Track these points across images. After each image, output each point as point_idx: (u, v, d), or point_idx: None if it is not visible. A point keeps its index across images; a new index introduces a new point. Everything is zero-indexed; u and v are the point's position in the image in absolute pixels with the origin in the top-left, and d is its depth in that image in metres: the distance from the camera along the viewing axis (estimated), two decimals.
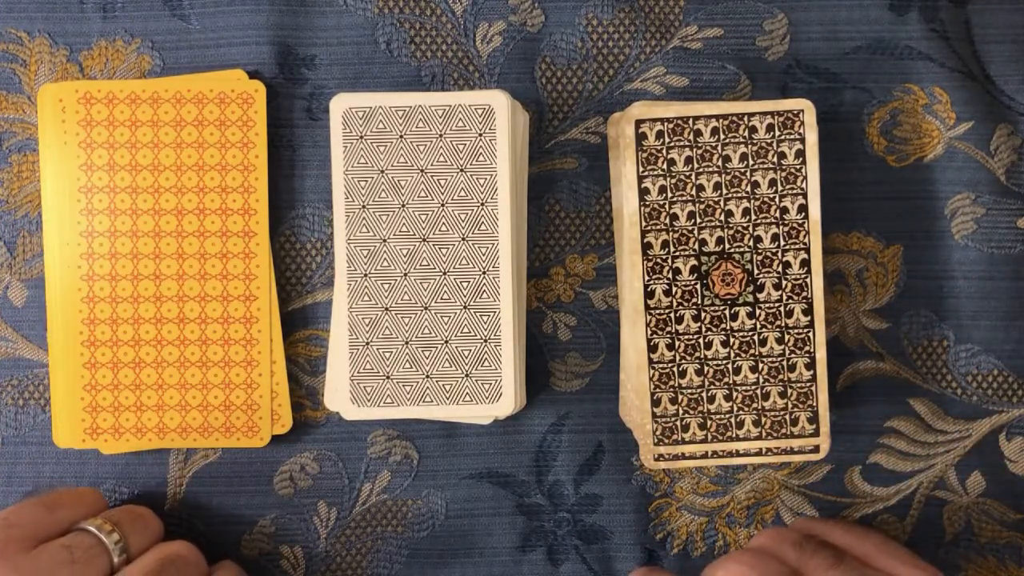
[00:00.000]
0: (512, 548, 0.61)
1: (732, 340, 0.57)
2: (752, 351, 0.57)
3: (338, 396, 0.58)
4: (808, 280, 0.56)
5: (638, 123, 0.56)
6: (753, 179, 0.56)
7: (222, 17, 0.60)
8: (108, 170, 0.58)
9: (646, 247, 0.56)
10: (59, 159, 0.58)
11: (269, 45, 0.60)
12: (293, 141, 0.60)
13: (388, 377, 0.57)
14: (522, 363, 0.59)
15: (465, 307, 0.57)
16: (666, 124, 0.56)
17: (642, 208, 0.56)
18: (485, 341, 0.57)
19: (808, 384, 0.57)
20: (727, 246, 0.56)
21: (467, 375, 0.57)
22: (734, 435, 0.57)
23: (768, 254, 0.56)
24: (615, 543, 0.60)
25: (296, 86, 0.60)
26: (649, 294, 0.57)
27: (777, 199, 0.56)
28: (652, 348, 0.57)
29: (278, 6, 0.59)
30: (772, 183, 0.56)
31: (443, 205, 0.57)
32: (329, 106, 0.57)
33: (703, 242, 0.56)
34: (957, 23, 0.61)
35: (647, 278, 0.56)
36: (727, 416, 0.57)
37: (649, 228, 0.56)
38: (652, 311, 0.57)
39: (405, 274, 0.57)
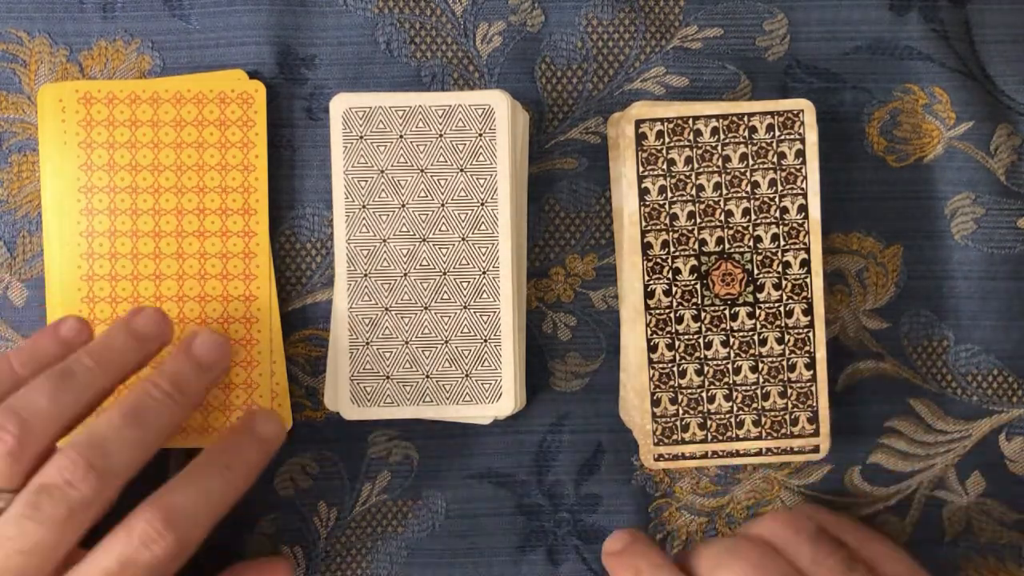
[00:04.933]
0: (512, 548, 0.61)
1: (732, 340, 0.57)
2: (752, 351, 0.57)
3: (338, 396, 0.58)
4: (808, 280, 0.56)
5: (638, 123, 0.56)
6: (753, 179, 0.56)
7: (222, 17, 0.60)
8: (108, 170, 0.58)
9: (646, 247, 0.56)
10: (59, 159, 0.58)
11: (269, 45, 0.60)
12: (293, 141, 0.60)
13: (388, 377, 0.57)
14: (522, 363, 0.59)
15: (465, 307, 0.57)
16: (666, 124, 0.56)
17: (642, 208, 0.56)
18: (485, 341, 0.57)
19: (808, 384, 0.57)
20: (727, 246, 0.56)
21: (467, 375, 0.57)
22: (734, 435, 0.57)
23: (768, 254, 0.56)
24: None
25: (296, 86, 0.60)
26: (649, 294, 0.57)
27: (777, 199, 0.56)
28: (652, 348, 0.57)
29: (278, 6, 0.59)
30: (772, 183, 0.56)
31: (443, 205, 0.57)
32: (329, 106, 0.57)
33: (703, 242, 0.56)
34: (957, 23, 0.61)
35: (647, 278, 0.57)
36: (727, 416, 0.57)
37: (649, 228, 0.56)
38: (652, 311, 0.57)
39: (405, 274, 0.57)
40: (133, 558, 0.48)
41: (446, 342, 0.57)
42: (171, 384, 0.52)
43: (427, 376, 0.57)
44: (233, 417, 0.59)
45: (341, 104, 0.57)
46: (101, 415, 0.50)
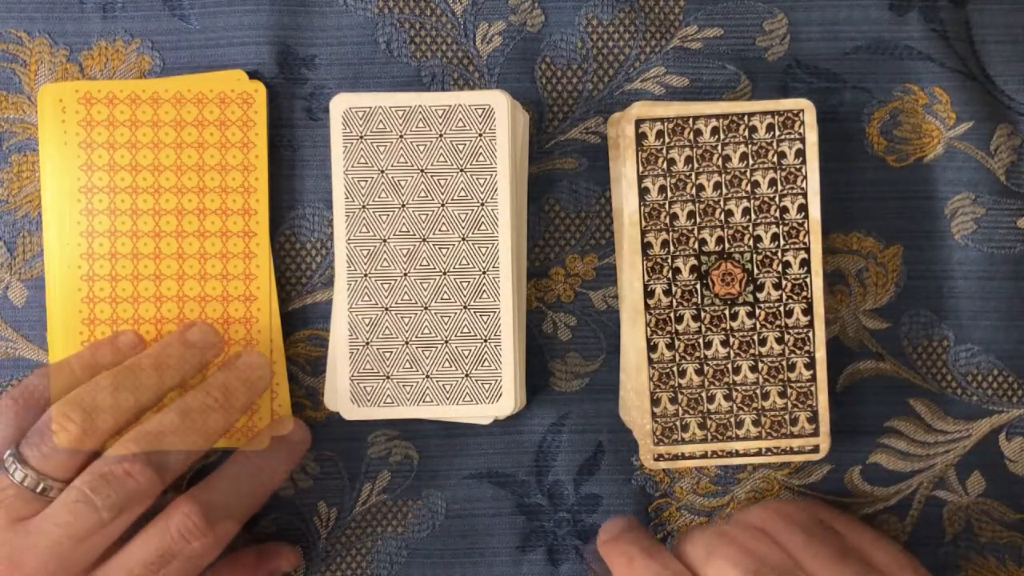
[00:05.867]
0: (512, 548, 0.61)
1: (732, 340, 0.57)
2: (752, 351, 0.57)
3: (338, 396, 0.58)
4: (808, 280, 0.56)
5: (638, 123, 0.56)
6: (753, 179, 0.56)
7: (222, 17, 0.60)
8: (108, 170, 0.58)
9: (646, 247, 0.56)
10: (59, 159, 0.58)
11: (269, 45, 0.60)
12: (293, 141, 0.60)
13: (388, 377, 0.57)
14: (522, 363, 0.59)
15: (465, 307, 0.57)
16: (666, 124, 0.56)
17: (642, 208, 0.56)
18: (485, 341, 0.57)
19: (808, 384, 0.57)
20: (727, 246, 0.56)
21: (467, 375, 0.57)
22: (734, 435, 0.57)
23: (768, 254, 0.56)
24: None
25: (296, 86, 0.60)
26: (649, 294, 0.57)
27: (777, 199, 0.56)
28: (652, 348, 0.57)
29: (278, 6, 0.59)
30: (772, 183, 0.56)
31: (443, 205, 0.57)
32: (329, 106, 0.57)
33: (703, 242, 0.56)
34: (957, 23, 0.61)
35: (647, 278, 0.56)
36: (727, 416, 0.57)
37: (649, 228, 0.56)
38: (652, 311, 0.57)
39: (405, 274, 0.57)
40: (172, 550, 0.51)
41: (446, 342, 0.57)
42: (220, 393, 0.55)
43: (427, 376, 0.57)
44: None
45: (341, 104, 0.57)
46: (157, 415, 0.53)
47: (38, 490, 0.51)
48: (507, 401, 0.57)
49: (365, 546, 0.61)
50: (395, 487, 0.61)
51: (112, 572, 0.50)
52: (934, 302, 0.61)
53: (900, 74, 0.61)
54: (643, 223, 0.56)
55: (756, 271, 0.56)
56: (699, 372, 0.57)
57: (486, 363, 0.57)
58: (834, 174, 0.60)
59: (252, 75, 0.59)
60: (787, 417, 0.57)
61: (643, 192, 0.56)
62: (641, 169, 0.56)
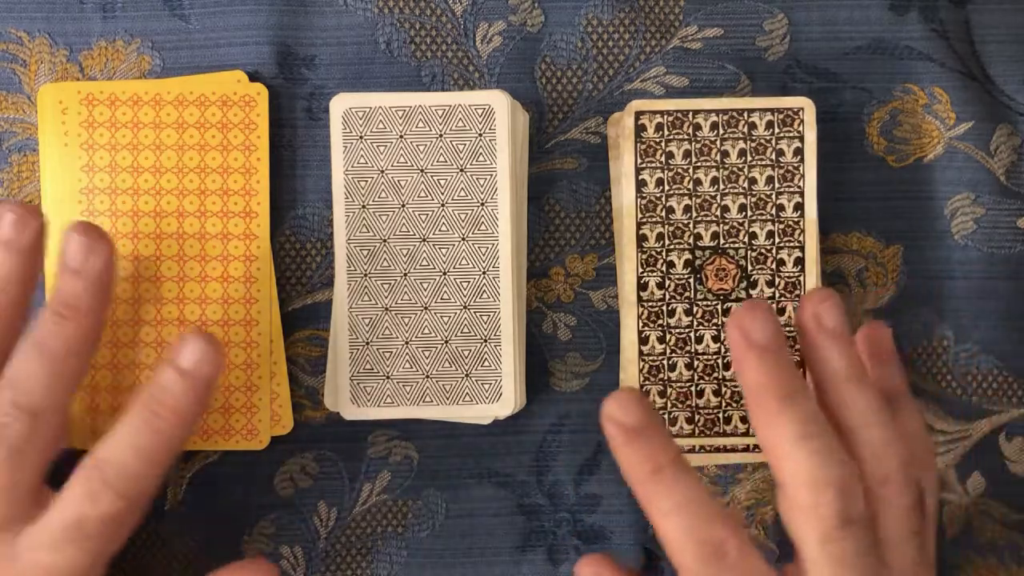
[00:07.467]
0: (512, 548, 0.60)
1: (723, 335, 0.57)
2: None
3: (338, 396, 0.58)
4: (802, 278, 0.56)
5: (638, 114, 0.56)
6: (751, 175, 0.56)
7: (222, 17, 0.60)
8: (110, 172, 0.58)
9: (641, 239, 0.56)
10: (60, 160, 0.58)
11: (269, 45, 0.60)
12: (293, 141, 0.60)
13: (388, 377, 0.57)
14: (522, 363, 0.59)
15: (465, 307, 0.57)
16: (666, 116, 0.56)
17: (639, 200, 0.56)
18: (485, 341, 0.57)
19: None
20: (722, 241, 0.56)
21: (467, 375, 0.57)
22: (721, 431, 0.57)
23: (762, 251, 0.56)
24: (615, 543, 0.60)
25: (296, 86, 0.60)
26: (642, 286, 0.57)
27: (774, 196, 0.56)
28: (643, 340, 0.57)
29: (278, 6, 0.60)
30: (769, 180, 0.56)
31: (443, 205, 0.57)
32: (329, 106, 0.57)
33: (698, 236, 0.56)
34: (957, 23, 0.61)
35: (640, 270, 0.57)
36: (715, 411, 0.57)
37: (645, 220, 0.56)
38: (644, 303, 0.57)
39: (405, 274, 0.57)
40: (83, 514, 0.48)
41: (446, 342, 0.57)
42: (62, 306, 0.50)
43: (427, 376, 0.57)
44: (232, 420, 0.59)
45: (341, 104, 0.57)
46: (11, 359, 0.50)
47: None
48: (507, 401, 0.57)
49: (365, 546, 0.60)
50: (395, 487, 0.61)
51: (35, 534, 0.49)
52: (934, 302, 0.60)
53: (900, 74, 0.61)
54: (639, 215, 0.56)
55: (750, 267, 0.56)
56: (689, 367, 0.57)
57: (486, 363, 0.57)
58: (834, 174, 0.60)
59: (252, 75, 0.59)
60: None
61: (640, 184, 0.56)
62: (639, 161, 0.56)
